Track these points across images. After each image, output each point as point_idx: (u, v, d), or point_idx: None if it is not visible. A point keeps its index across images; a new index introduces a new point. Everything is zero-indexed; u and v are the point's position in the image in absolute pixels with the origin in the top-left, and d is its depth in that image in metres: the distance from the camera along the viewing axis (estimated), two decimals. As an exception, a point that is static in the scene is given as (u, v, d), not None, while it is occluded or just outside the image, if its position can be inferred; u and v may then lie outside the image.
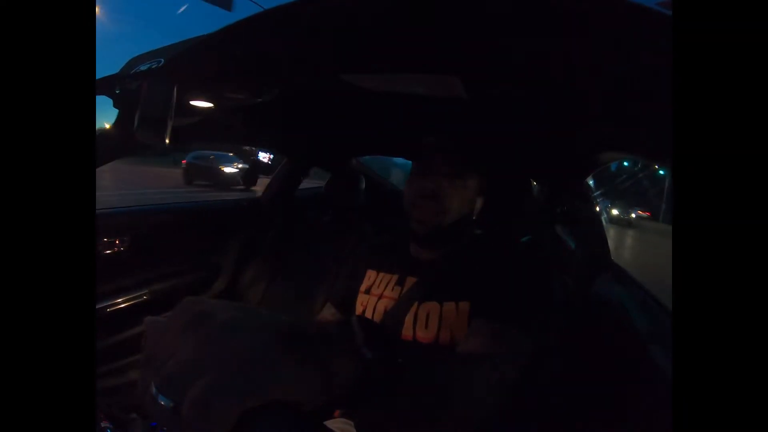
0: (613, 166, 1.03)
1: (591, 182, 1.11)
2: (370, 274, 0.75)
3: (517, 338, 0.54)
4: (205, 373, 0.23)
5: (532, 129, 0.90)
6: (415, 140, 0.76)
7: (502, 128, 0.94)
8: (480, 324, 0.57)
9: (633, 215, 16.14)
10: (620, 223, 14.88)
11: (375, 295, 0.71)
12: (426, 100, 0.74)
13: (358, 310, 0.72)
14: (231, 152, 12.12)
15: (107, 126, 0.82)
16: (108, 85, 0.71)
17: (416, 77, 0.63)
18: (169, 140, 0.63)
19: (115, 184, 9.12)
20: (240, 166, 11.35)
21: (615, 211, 15.28)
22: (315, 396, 0.26)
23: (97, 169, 0.46)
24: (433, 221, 0.69)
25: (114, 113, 0.79)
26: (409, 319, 0.64)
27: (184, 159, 12.30)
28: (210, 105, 0.80)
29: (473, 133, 0.83)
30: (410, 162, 0.82)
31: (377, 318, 0.68)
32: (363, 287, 0.74)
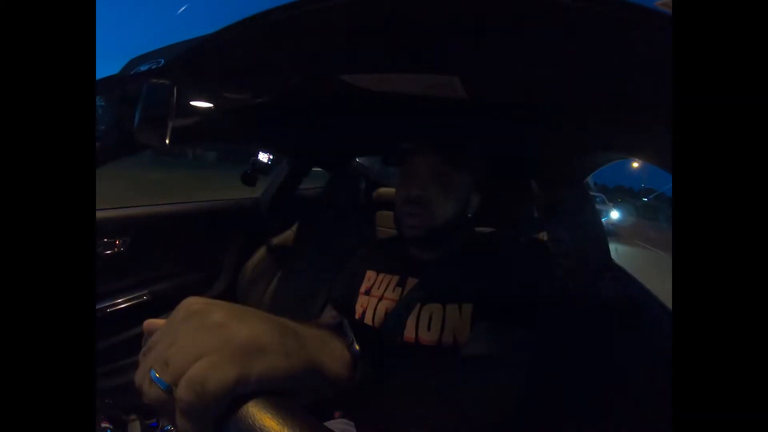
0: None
1: (591, 182, 1.10)
2: (370, 275, 0.74)
3: (521, 340, 0.54)
4: (202, 358, 0.24)
5: (529, 129, 0.90)
6: (396, 145, 0.75)
7: (498, 128, 0.94)
8: (484, 326, 0.57)
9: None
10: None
11: (375, 296, 0.70)
12: (422, 101, 0.73)
13: (358, 311, 0.71)
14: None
15: (107, 126, 0.82)
16: (108, 86, 0.71)
17: (415, 77, 0.63)
18: (169, 141, 0.62)
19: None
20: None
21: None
22: (306, 389, 0.28)
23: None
24: (425, 225, 0.67)
25: (114, 113, 0.79)
26: (411, 321, 0.63)
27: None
28: (210, 105, 0.80)
29: (460, 133, 0.82)
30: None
31: (378, 320, 0.67)
32: (363, 288, 0.73)
